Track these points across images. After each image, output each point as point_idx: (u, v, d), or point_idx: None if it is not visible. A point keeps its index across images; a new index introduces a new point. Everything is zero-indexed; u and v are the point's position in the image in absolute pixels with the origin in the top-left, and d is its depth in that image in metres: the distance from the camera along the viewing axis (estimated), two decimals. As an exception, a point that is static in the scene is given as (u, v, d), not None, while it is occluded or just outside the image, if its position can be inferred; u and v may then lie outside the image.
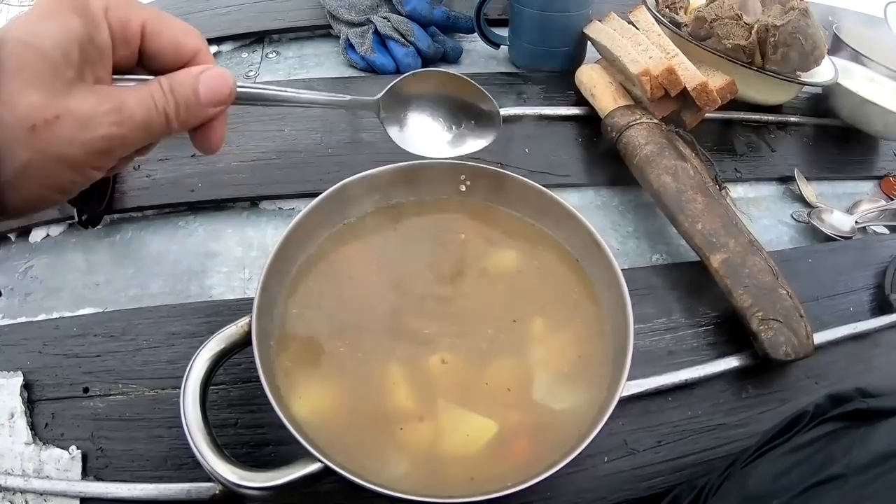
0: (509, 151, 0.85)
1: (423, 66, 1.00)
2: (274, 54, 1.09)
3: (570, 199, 0.83)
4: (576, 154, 0.89)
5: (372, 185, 0.65)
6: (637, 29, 0.94)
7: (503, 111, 0.88)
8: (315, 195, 0.63)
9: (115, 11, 0.39)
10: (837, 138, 1.05)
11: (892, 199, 1.00)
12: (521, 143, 0.87)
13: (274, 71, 1.05)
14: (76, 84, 0.37)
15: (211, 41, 1.09)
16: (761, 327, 0.65)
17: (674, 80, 0.83)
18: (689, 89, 0.84)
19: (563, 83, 0.97)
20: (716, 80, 0.90)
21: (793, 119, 1.04)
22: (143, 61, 0.43)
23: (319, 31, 1.11)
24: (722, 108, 0.89)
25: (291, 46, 1.11)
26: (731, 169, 0.94)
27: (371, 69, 1.00)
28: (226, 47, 1.11)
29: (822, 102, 1.07)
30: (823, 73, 1.00)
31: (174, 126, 0.42)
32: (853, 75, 1.11)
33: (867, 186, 1.04)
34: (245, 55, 1.09)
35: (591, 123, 0.91)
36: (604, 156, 0.87)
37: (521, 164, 0.84)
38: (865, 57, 1.17)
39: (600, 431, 0.48)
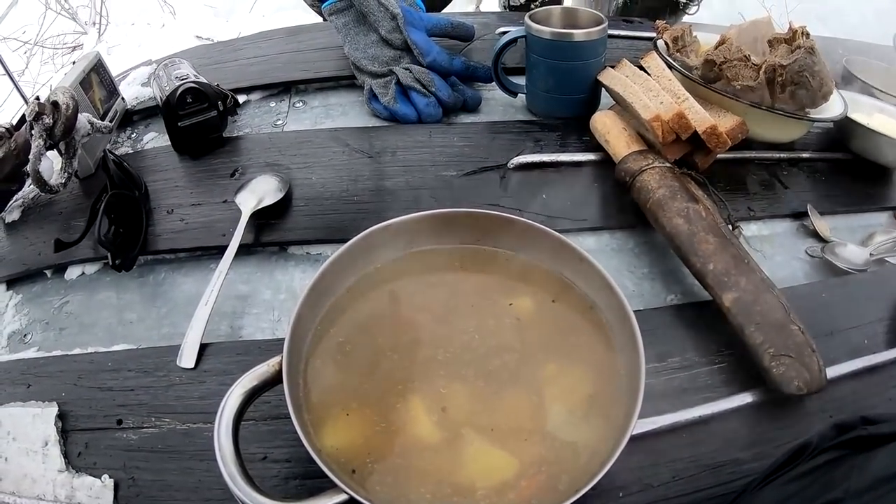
0: (527, 198, 0.89)
1: (444, 115, 1.04)
2: (301, 103, 1.13)
3: (587, 243, 0.86)
4: (592, 199, 0.91)
5: (395, 232, 0.68)
6: (648, 74, 0.97)
7: (520, 159, 0.92)
8: (341, 241, 0.66)
9: None
10: (850, 171, 1.06)
11: None
12: (539, 189, 0.90)
13: (300, 120, 1.09)
14: None
15: (240, 90, 1.14)
16: (773, 363, 0.67)
17: (684, 124, 0.86)
18: (699, 133, 0.87)
19: (578, 129, 1.01)
20: (726, 122, 0.93)
21: (805, 155, 1.06)
22: None
23: (344, 82, 1.15)
24: (734, 147, 0.91)
25: (317, 96, 1.15)
26: (745, 208, 0.95)
27: (394, 118, 1.04)
28: (254, 96, 1.16)
29: (834, 137, 1.09)
30: (833, 108, 1.02)
31: None
32: (863, 107, 1.12)
33: (881, 217, 1.04)
34: (273, 104, 1.14)
35: (606, 168, 0.94)
36: (619, 199, 0.90)
37: (539, 210, 0.87)
38: (875, 88, 1.19)
39: (615, 467, 0.49)
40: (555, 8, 1.07)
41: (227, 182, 0.93)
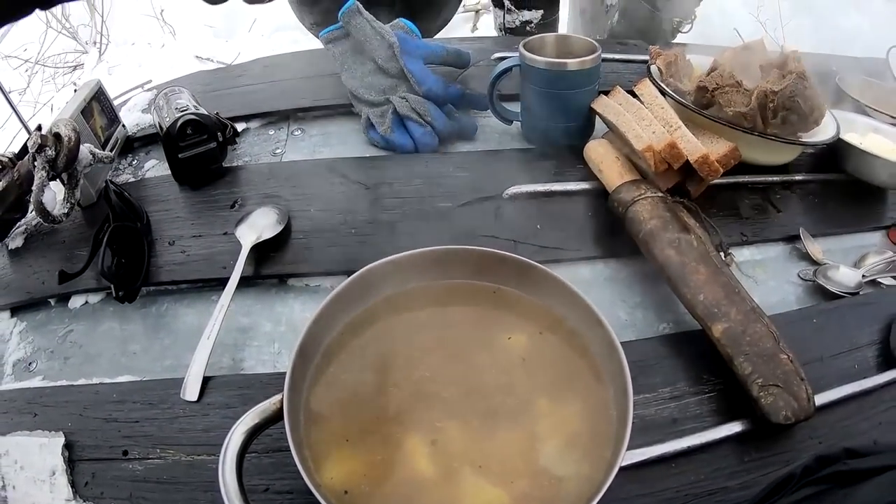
0: (522, 228, 0.90)
1: (440, 144, 1.06)
2: (299, 132, 1.15)
3: (581, 273, 0.88)
4: (586, 228, 0.93)
5: (392, 269, 0.69)
6: (641, 102, 0.99)
7: (515, 189, 0.94)
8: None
9: None
10: (843, 192, 1.08)
11: None
12: (534, 219, 0.92)
13: (299, 148, 1.11)
14: None
15: (239, 118, 1.16)
16: (761, 393, 0.68)
17: (676, 154, 0.88)
18: (691, 162, 0.89)
19: (573, 157, 1.02)
20: (719, 147, 0.95)
21: (798, 178, 1.07)
22: None
23: (342, 110, 1.17)
24: (727, 172, 0.93)
25: (316, 124, 1.17)
26: (738, 233, 0.97)
27: (391, 147, 1.07)
28: (254, 124, 1.18)
29: (827, 158, 1.10)
30: (825, 130, 1.04)
31: None
32: (856, 127, 1.14)
33: (875, 238, 1.06)
34: (272, 132, 1.16)
35: (599, 197, 0.95)
36: (612, 228, 0.91)
37: (534, 241, 0.89)
38: (868, 107, 1.21)
39: (603, 499, 0.51)
40: (548, 36, 1.09)
41: (227, 213, 0.94)
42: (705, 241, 0.83)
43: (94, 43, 2.93)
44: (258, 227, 0.88)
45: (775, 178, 1.06)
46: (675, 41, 1.91)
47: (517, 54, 1.04)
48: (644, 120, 0.93)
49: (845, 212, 1.06)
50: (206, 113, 1.02)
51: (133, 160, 1.15)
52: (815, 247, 0.97)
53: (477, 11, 2.66)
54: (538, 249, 0.85)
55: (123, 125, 1.17)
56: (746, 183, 1.04)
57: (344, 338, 0.66)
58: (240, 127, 1.15)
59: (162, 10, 2.89)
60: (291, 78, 1.26)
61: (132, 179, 1.09)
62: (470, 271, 0.72)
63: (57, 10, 2.96)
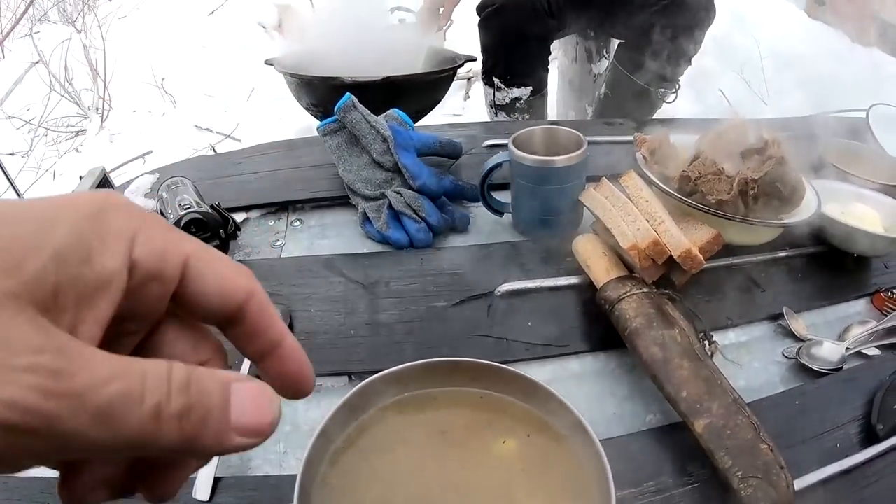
0: (513, 327, 0.94)
1: (434, 239, 1.10)
2: (298, 222, 1.19)
3: (571, 367, 0.91)
4: (575, 322, 0.96)
5: (388, 381, 0.73)
6: (627, 195, 1.03)
7: (506, 287, 0.97)
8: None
9: (148, 240, 0.29)
10: (827, 263, 1.11)
11: (885, 315, 1.04)
12: (525, 317, 0.95)
13: (298, 240, 1.15)
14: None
15: (240, 208, 1.20)
16: (741, 485, 0.71)
17: (659, 251, 0.92)
18: (674, 257, 0.93)
19: (563, 248, 1.06)
20: (703, 234, 0.99)
21: (781, 254, 1.11)
22: (177, 306, 0.32)
23: (339, 201, 1.22)
24: (712, 256, 0.96)
25: (314, 214, 1.21)
26: (723, 317, 1.00)
27: (387, 242, 1.10)
28: (254, 214, 1.22)
29: (810, 230, 1.11)
30: (806, 207, 1.07)
31: (165, 439, 0.26)
32: (839, 195, 1.18)
33: (860, 305, 1.08)
34: (271, 222, 1.20)
35: (588, 291, 0.99)
36: (600, 321, 0.94)
37: (525, 338, 0.92)
38: (850, 174, 1.25)
39: None
40: (536, 128, 1.13)
41: (229, 312, 0.98)
42: (689, 333, 0.86)
43: (97, 109, 2.99)
44: (261, 330, 0.91)
45: (759, 258, 1.09)
46: (663, 112, 1.96)
47: (508, 140, 1.09)
48: (629, 215, 0.97)
49: (830, 283, 1.09)
50: (208, 210, 1.06)
51: (137, 246, 1.18)
52: (798, 323, 1.00)
53: (469, 79, 2.72)
54: (529, 347, 0.89)
55: (128, 212, 1.21)
56: (730, 265, 1.08)
57: (346, 448, 0.69)
58: (240, 217, 1.19)
59: (163, 79, 2.95)
60: (289, 167, 1.31)
61: None
62: (462, 380, 0.75)
63: (60, 72, 3.02)
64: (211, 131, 2.68)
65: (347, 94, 1.16)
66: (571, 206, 1.09)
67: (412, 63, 1.71)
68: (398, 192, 1.10)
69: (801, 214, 1.06)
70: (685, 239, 0.94)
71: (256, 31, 3.24)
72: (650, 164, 1.13)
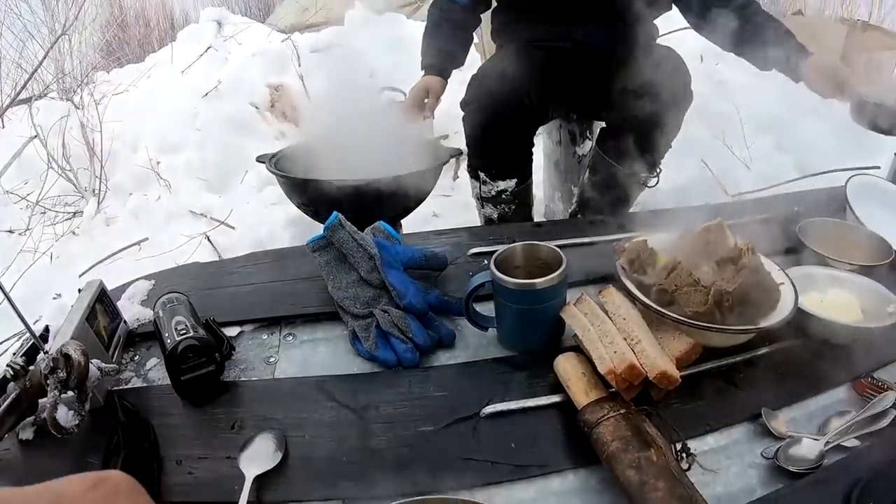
0: (498, 449, 0.97)
1: (421, 357, 1.14)
2: (291, 337, 1.23)
3: (553, 485, 0.93)
4: (557, 440, 0.99)
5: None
6: (606, 311, 1.08)
7: (490, 409, 1.01)
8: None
9: None
10: (806, 355, 1.13)
11: (867, 400, 1.05)
12: (508, 437, 0.99)
13: (291, 356, 1.19)
14: None
15: (233, 323, 1.25)
16: None
17: (635, 373, 0.96)
18: (650, 378, 0.97)
19: (546, 362, 1.09)
20: (680, 344, 1.05)
21: (760, 352, 1.13)
22: None
23: (329, 314, 1.26)
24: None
25: (306, 328, 1.25)
26: (701, 424, 1.02)
27: (376, 361, 1.14)
28: (247, 328, 1.26)
29: (788, 326, 1.12)
30: (783, 305, 1.12)
31: None
32: (817, 282, 1.23)
33: (841, 392, 1.10)
34: (265, 336, 1.24)
35: (569, 409, 1.02)
36: (581, 439, 0.97)
37: (509, 460, 0.95)
38: (828, 258, 1.30)
39: None
40: (517, 246, 1.18)
41: (228, 435, 1.01)
42: (666, 450, 0.90)
43: (94, 191, 3.04)
44: (259, 456, 0.95)
45: (738, 358, 1.12)
46: (646, 195, 2.01)
47: (490, 260, 1.13)
48: (607, 336, 1.02)
49: (810, 374, 1.11)
50: (203, 335, 1.09)
51: (135, 355, 1.23)
52: (778, 420, 1.02)
53: (458, 156, 2.77)
54: (513, 469, 0.92)
55: (125, 321, 1.26)
56: (708, 370, 1.10)
57: None
58: (234, 331, 1.24)
59: (158, 162, 3.01)
60: (280, 279, 1.36)
61: (136, 380, 1.16)
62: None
63: (58, 150, 3.08)
64: (206, 217, 2.73)
65: (335, 213, 1.21)
66: (554, 322, 1.13)
67: (401, 156, 1.77)
68: (385, 311, 1.15)
69: (778, 315, 1.10)
70: (661, 360, 0.98)
71: (250, 112, 3.31)
72: (629, 274, 1.18)
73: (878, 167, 2.64)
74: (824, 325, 1.12)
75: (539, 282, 1.08)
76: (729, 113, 3.40)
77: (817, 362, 1.13)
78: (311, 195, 1.65)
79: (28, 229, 2.94)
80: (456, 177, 2.76)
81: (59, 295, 2.49)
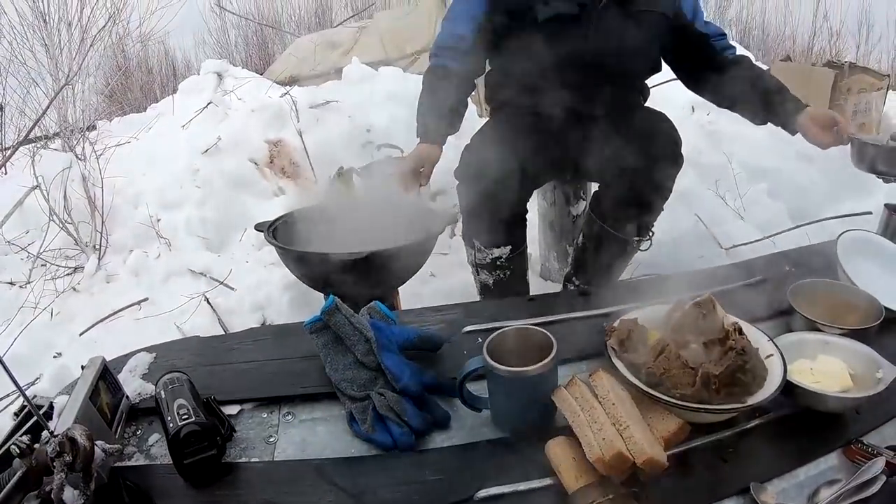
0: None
1: (417, 440, 1.16)
2: (290, 416, 1.26)
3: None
4: (550, 526, 1.02)
5: None
6: (596, 395, 1.11)
7: (484, 493, 1.04)
8: None
9: None
10: (796, 424, 1.16)
11: (858, 466, 1.07)
12: (504, 528, 1.01)
13: (290, 436, 1.22)
14: None
15: (234, 401, 1.27)
16: None
17: (623, 460, 0.99)
18: (638, 464, 1.00)
19: (538, 446, 1.11)
20: (669, 424, 1.08)
21: (750, 424, 1.15)
22: None
23: (328, 394, 1.28)
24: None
25: (305, 407, 1.28)
26: (691, 502, 1.04)
27: (373, 443, 1.17)
28: (247, 406, 1.29)
29: (778, 397, 1.14)
30: (771, 380, 1.14)
31: None
32: (807, 348, 1.26)
33: (832, 458, 1.12)
34: (265, 415, 1.27)
35: (561, 492, 1.04)
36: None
37: (502, 550, 0.97)
38: (818, 322, 1.32)
39: None
40: (509, 331, 1.21)
41: (231, 523, 1.04)
42: (655, 537, 0.93)
43: (95, 246, 3.06)
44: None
45: (727, 433, 1.14)
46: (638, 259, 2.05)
47: (480, 358, 1.16)
48: (596, 422, 1.05)
49: (800, 443, 1.13)
50: (204, 420, 1.12)
51: (137, 429, 1.26)
52: (767, 494, 1.04)
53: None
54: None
55: (127, 396, 1.29)
56: (697, 446, 1.12)
57: None
58: (235, 409, 1.27)
59: (158, 220, 3.05)
60: (279, 358, 1.39)
61: (139, 455, 1.19)
62: None
63: (59, 202, 3.10)
64: (205, 276, 2.76)
65: (331, 297, 1.25)
66: (546, 404, 1.15)
67: (398, 224, 1.81)
68: (382, 394, 1.18)
69: (766, 391, 1.13)
70: (648, 446, 1.01)
71: (249, 168, 3.35)
72: (620, 354, 1.21)
73: (870, 213, 2.69)
74: (812, 396, 1.15)
75: (530, 369, 1.11)
76: (721, 163, 3.44)
77: (806, 431, 1.15)
78: (308, 266, 1.69)
79: (29, 282, 2.96)
80: (453, 234, 2.79)
81: (60, 354, 2.51)
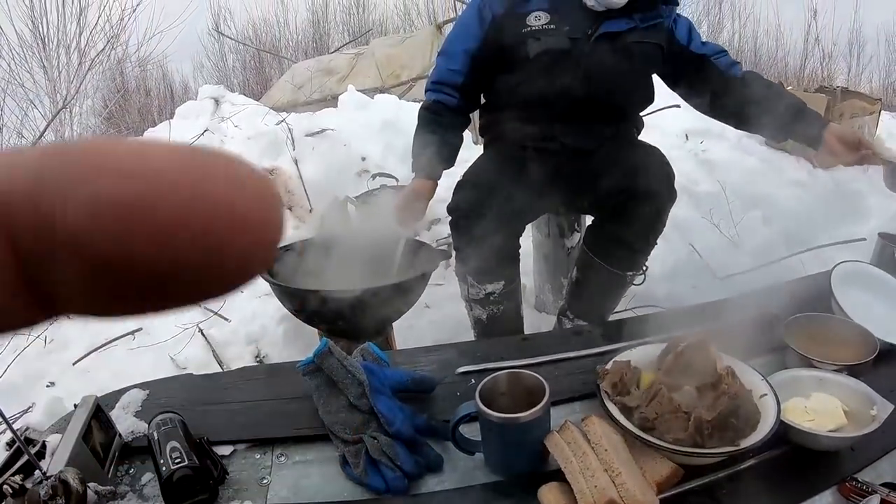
0: None
1: (410, 484, 1.16)
2: (283, 457, 1.26)
3: None
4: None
5: None
6: (588, 441, 1.11)
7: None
8: None
9: None
10: (792, 463, 1.15)
11: (854, 503, 1.08)
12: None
13: (283, 478, 1.21)
14: None
15: (227, 441, 1.27)
16: None
17: (612, 509, 0.99)
18: (629, 517, 1.00)
19: (531, 491, 1.10)
20: (662, 468, 1.08)
21: (743, 466, 1.15)
22: None
23: (321, 436, 1.28)
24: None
25: (298, 449, 1.28)
26: None
27: (365, 486, 1.16)
28: (240, 447, 1.28)
29: (771, 437, 1.13)
30: (765, 422, 1.13)
31: None
32: (802, 385, 1.26)
33: (827, 496, 1.11)
34: (258, 456, 1.26)
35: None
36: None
37: None
38: (812, 359, 1.32)
39: None
40: (501, 375, 1.21)
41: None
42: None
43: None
44: None
45: (720, 475, 1.14)
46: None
47: (473, 404, 1.16)
48: (588, 469, 1.05)
49: (796, 482, 1.13)
50: (196, 463, 1.12)
51: (130, 468, 1.25)
52: None
53: (448, 244, 2.82)
54: None
55: (120, 434, 1.28)
56: (691, 489, 1.12)
57: None
58: (228, 449, 1.26)
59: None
60: (272, 398, 1.39)
61: (131, 495, 1.18)
62: None
63: None
64: (199, 305, 2.75)
65: (324, 340, 1.25)
66: (538, 449, 1.16)
67: (392, 260, 1.82)
68: (374, 437, 1.18)
69: (759, 433, 1.12)
70: (640, 493, 1.01)
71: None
72: (613, 397, 1.21)
73: (864, 239, 2.71)
74: (806, 435, 1.15)
75: (523, 416, 1.11)
76: (715, 191, 3.47)
77: (801, 470, 1.15)
78: (301, 303, 1.69)
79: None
80: (447, 265, 2.80)
81: (53, 383, 2.50)
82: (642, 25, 1.93)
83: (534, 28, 1.91)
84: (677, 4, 2.05)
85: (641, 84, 2.02)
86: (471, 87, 2.05)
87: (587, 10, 1.90)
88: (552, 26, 1.90)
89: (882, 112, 4.25)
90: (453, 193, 1.87)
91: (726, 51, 2.03)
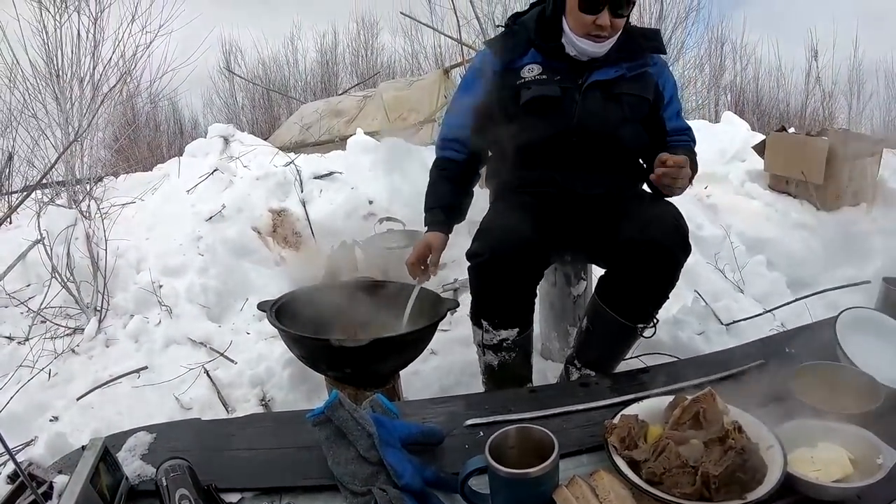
0: None
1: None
2: (290, 509, 1.26)
3: None
4: None
5: None
6: (596, 496, 1.11)
7: None
8: None
9: None
10: None
11: None
12: None
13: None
14: None
15: (234, 489, 1.27)
16: None
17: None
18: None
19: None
20: None
21: None
22: None
23: (328, 486, 1.28)
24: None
25: (306, 499, 1.28)
26: None
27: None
28: (248, 494, 1.28)
29: (778, 489, 1.14)
30: (771, 474, 1.15)
31: None
32: (808, 434, 1.27)
33: None
34: (265, 505, 1.26)
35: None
36: None
37: None
38: (818, 409, 1.33)
39: None
40: (511, 430, 1.22)
41: None
42: None
43: (96, 308, 3.05)
44: None
45: None
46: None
47: (482, 458, 1.16)
48: (597, 527, 1.05)
49: None
50: (205, 512, 1.13)
51: (138, 515, 1.25)
52: None
53: (455, 290, 2.83)
54: None
55: (126, 478, 1.28)
56: None
57: None
58: (235, 497, 1.27)
59: (160, 286, 3.05)
60: (280, 447, 1.39)
61: None
62: None
63: (62, 260, 3.10)
64: (205, 346, 2.76)
65: (335, 392, 1.26)
66: (546, 500, 1.15)
67: (402, 309, 1.84)
68: (384, 490, 1.18)
69: (766, 486, 1.13)
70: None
71: (252, 236, 3.37)
72: (621, 451, 1.22)
73: (869, 281, 2.70)
74: (812, 486, 1.16)
75: (532, 471, 1.11)
76: (720, 236, 3.48)
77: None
78: (309, 350, 1.70)
79: (28, 339, 2.94)
80: (453, 312, 2.81)
81: (56, 418, 2.48)
82: (629, 74, 2.03)
83: (527, 79, 2.02)
84: (664, 53, 2.16)
85: (633, 129, 2.07)
86: (478, 141, 2.13)
87: (575, 61, 2.01)
88: (544, 76, 2.01)
89: (884, 151, 4.22)
90: (473, 239, 1.89)
91: (688, 133, 2.15)
